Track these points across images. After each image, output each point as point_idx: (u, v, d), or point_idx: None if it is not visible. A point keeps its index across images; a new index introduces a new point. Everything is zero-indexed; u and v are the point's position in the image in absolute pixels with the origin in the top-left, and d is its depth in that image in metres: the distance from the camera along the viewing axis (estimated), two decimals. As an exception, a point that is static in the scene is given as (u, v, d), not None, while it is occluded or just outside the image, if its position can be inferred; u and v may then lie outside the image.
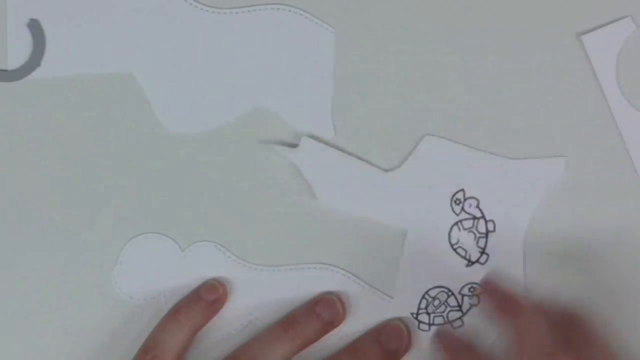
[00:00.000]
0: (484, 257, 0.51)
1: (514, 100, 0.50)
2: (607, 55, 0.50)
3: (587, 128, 0.51)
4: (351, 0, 0.49)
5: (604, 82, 0.50)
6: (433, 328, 0.51)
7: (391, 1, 0.49)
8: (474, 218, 0.50)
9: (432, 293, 0.51)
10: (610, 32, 0.50)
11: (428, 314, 0.51)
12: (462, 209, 0.50)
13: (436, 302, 0.51)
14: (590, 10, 0.50)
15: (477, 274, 0.51)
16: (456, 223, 0.50)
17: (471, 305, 0.51)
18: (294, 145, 0.49)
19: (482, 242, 0.50)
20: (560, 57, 0.50)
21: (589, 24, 0.50)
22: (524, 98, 0.50)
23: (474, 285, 0.51)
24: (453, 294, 0.51)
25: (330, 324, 0.49)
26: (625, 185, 0.51)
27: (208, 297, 0.49)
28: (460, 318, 0.51)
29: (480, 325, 0.51)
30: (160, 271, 0.50)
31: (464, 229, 0.50)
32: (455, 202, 0.50)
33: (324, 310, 0.49)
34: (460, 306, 0.51)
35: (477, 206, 0.50)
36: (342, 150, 0.50)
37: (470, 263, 0.51)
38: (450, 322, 0.51)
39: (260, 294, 0.50)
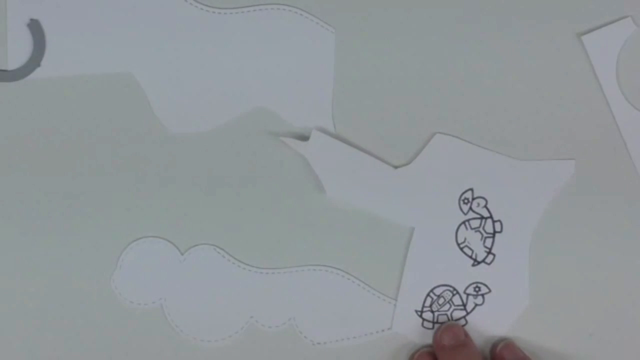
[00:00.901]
0: (490, 257, 0.51)
1: (513, 100, 0.50)
2: (607, 55, 0.50)
3: (588, 128, 0.51)
4: (351, 0, 0.49)
5: (604, 82, 0.50)
6: (437, 326, 0.51)
7: (391, 1, 0.49)
8: (482, 218, 0.50)
9: (437, 291, 0.51)
10: (610, 32, 0.50)
11: (432, 312, 0.51)
12: (470, 208, 0.50)
13: (441, 301, 0.51)
14: (590, 10, 0.50)
15: (482, 273, 0.51)
16: (463, 222, 0.50)
17: (475, 305, 0.51)
18: (303, 139, 0.49)
19: (488, 242, 0.50)
20: (560, 57, 0.50)
21: (589, 24, 0.50)
22: (523, 98, 0.50)
23: (479, 285, 0.51)
24: (458, 292, 0.51)
25: None
26: (626, 185, 0.51)
27: None
28: (464, 317, 0.51)
29: (483, 325, 0.51)
30: (159, 275, 0.50)
31: (471, 229, 0.50)
32: (463, 201, 0.50)
33: None
34: (464, 305, 0.51)
35: (485, 206, 0.50)
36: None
37: (476, 262, 0.51)
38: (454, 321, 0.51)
39: (260, 296, 0.50)
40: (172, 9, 0.48)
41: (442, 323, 0.51)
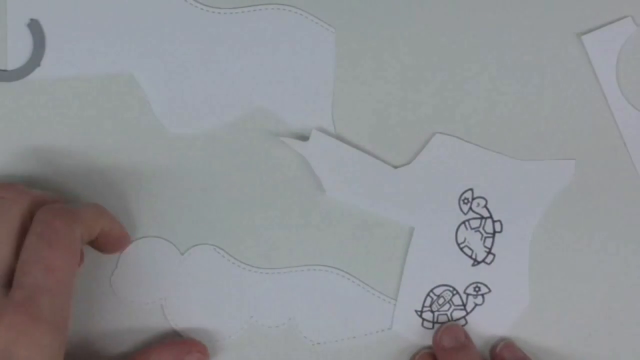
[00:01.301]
0: (490, 257, 0.51)
1: (512, 100, 0.50)
2: (607, 55, 0.50)
3: (587, 128, 0.51)
4: (351, 0, 0.49)
5: (604, 82, 0.50)
6: (437, 326, 0.51)
7: (391, 1, 0.49)
8: (482, 218, 0.50)
9: (437, 291, 0.51)
10: (610, 32, 0.50)
11: (432, 312, 0.51)
12: (470, 208, 0.50)
13: (441, 301, 0.51)
14: (590, 10, 0.50)
15: (482, 273, 0.51)
16: (463, 222, 0.50)
17: (475, 305, 0.51)
18: (303, 139, 0.49)
19: (488, 242, 0.50)
20: (560, 57, 0.50)
21: (589, 24, 0.50)
22: (523, 98, 0.50)
23: (479, 285, 0.51)
24: (458, 292, 0.51)
25: None
26: (626, 185, 0.51)
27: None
28: (464, 317, 0.51)
29: (483, 325, 0.51)
30: (159, 275, 0.50)
31: (471, 229, 0.50)
32: (463, 201, 0.50)
33: None
34: (464, 305, 0.51)
35: (485, 206, 0.50)
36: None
37: (476, 262, 0.51)
38: (454, 321, 0.51)
39: (260, 296, 0.50)
40: (172, 9, 0.48)
41: (442, 323, 0.51)
